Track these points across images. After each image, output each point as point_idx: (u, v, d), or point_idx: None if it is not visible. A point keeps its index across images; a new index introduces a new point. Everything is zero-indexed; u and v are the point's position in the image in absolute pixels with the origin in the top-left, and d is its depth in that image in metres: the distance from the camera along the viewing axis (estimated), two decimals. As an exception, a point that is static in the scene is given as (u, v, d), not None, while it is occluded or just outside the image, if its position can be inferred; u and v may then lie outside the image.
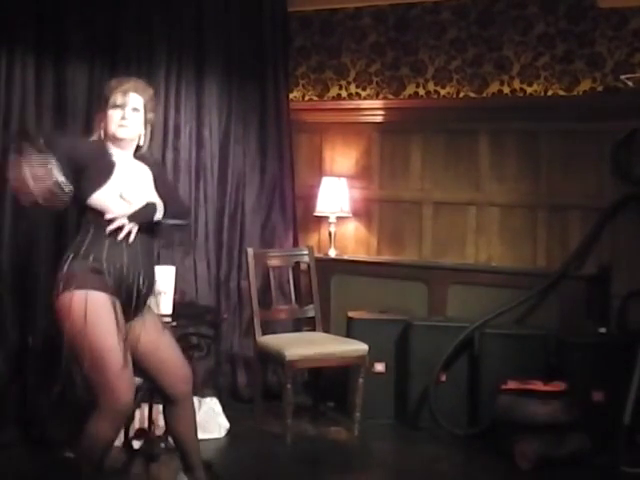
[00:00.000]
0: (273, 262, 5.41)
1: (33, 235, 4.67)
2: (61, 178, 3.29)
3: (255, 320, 5.18)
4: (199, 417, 4.81)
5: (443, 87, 5.82)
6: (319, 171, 6.13)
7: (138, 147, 3.62)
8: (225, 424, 4.98)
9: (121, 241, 3.40)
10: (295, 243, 5.95)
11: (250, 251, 5.29)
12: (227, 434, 4.95)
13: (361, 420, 5.04)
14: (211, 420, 4.92)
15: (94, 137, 3.57)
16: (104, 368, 3.31)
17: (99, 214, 3.41)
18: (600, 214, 5.25)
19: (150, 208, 3.50)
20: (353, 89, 6.09)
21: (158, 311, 3.74)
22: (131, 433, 4.48)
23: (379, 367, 5.32)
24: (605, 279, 5.19)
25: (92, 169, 3.41)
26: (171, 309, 4.45)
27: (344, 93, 6.12)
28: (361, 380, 5.01)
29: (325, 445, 4.96)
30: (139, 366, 3.50)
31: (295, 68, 6.21)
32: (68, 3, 4.79)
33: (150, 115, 3.61)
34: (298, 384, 5.57)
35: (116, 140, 3.52)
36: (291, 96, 6.11)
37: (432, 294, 5.66)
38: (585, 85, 5.41)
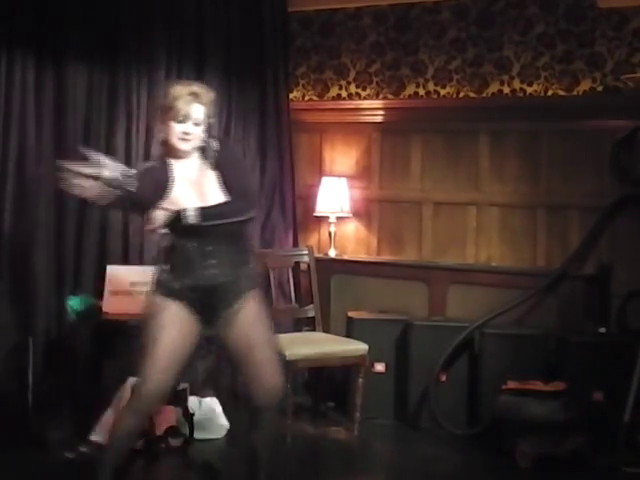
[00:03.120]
0: (273, 262, 5.41)
1: (33, 235, 4.67)
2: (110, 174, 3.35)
3: (255, 320, 5.18)
4: (199, 417, 4.84)
5: (443, 87, 5.82)
6: (319, 171, 6.12)
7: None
8: (225, 424, 4.98)
9: (175, 247, 3.49)
10: (295, 243, 5.95)
11: (250, 251, 5.29)
12: (227, 434, 4.95)
13: (361, 420, 5.04)
14: (211, 420, 4.92)
15: (154, 149, 3.62)
16: (147, 356, 3.47)
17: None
18: (600, 214, 5.24)
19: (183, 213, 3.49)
20: (353, 89, 6.09)
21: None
22: (131, 433, 4.48)
23: (379, 367, 5.32)
24: (605, 279, 5.19)
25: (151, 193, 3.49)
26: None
27: (344, 93, 6.12)
28: (361, 380, 5.02)
29: (325, 445, 4.97)
30: (242, 362, 3.61)
31: (295, 68, 6.21)
32: (68, 3, 4.79)
33: (211, 120, 3.61)
34: (298, 384, 5.57)
35: (177, 150, 3.54)
36: (291, 96, 6.11)
37: (432, 294, 5.66)
38: (585, 85, 5.41)
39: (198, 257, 3.48)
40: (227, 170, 3.58)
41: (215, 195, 3.54)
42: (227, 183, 3.55)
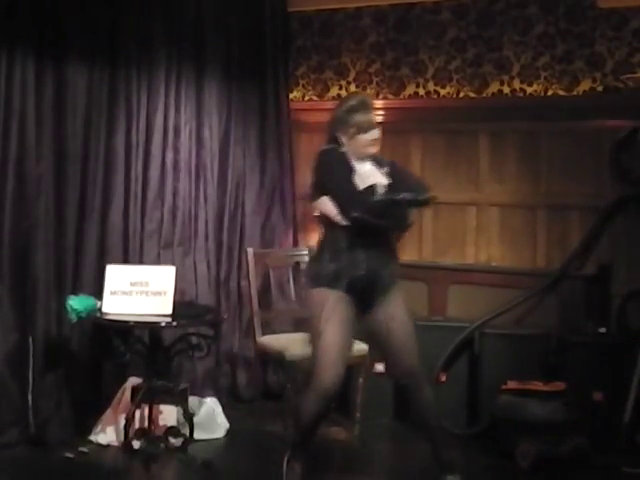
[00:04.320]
0: (273, 262, 5.41)
1: (33, 235, 4.66)
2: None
3: (255, 320, 5.18)
4: (199, 417, 4.83)
5: (443, 87, 5.82)
6: (319, 171, 6.11)
7: None
8: (225, 424, 4.98)
9: (339, 240, 3.77)
10: (295, 243, 5.95)
11: (250, 251, 5.29)
12: (227, 434, 4.95)
13: (361, 420, 5.04)
14: (211, 420, 4.92)
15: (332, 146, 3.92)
16: (317, 351, 3.77)
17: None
18: (599, 214, 5.24)
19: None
20: (353, 89, 6.09)
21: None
22: (131, 433, 4.48)
23: (379, 367, 5.31)
24: (605, 279, 5.19)
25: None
26: (171, 309, 4.46)
27: (344, 93, 6.11)
28: (361, 380, 5.01)
29: (325, 445, 4.96)
30: (381, 346, 4.00)
31: (295, 68, 6.21)
32: (68, 3, 4.78)
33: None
34: (298, 384, 5.57)
35: (360, 154, 3.88)
36: (291, 96, 6.11)
37: (432, 294, 5.66)
38: (585, 85, 5.41)
39: (362, 248, 3.77)
40: (402, 180, 3.92)
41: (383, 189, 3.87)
42: (395, 182, 3.88)
